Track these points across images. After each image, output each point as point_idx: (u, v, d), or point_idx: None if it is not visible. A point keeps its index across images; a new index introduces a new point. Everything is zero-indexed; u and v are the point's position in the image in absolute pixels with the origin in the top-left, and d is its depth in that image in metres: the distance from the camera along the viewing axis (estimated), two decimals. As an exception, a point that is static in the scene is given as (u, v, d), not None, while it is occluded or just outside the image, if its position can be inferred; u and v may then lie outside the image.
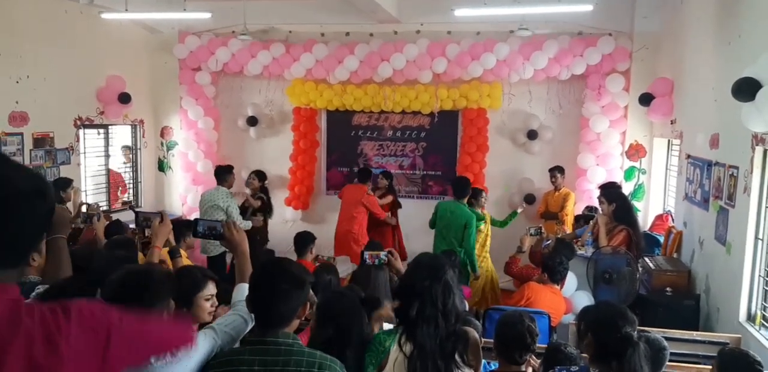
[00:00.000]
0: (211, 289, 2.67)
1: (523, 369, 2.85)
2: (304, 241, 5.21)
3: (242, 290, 2.46)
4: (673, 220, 6.38)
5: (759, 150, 4.13)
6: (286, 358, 2.00)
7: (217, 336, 2.20)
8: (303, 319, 2.15)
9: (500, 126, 8.17)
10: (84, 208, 5.86)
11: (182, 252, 4.25)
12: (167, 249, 3.82)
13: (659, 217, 6.70)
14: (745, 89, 3.72)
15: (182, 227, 4.52)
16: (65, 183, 6.31)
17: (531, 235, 5.43)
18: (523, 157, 8.18)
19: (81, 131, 7.67)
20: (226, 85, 8.91)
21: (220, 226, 2.74)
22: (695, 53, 5.82)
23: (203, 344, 2.14)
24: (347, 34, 8.23)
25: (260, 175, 7.50)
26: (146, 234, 4.67)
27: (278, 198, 8.80)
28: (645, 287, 5.14)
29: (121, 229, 5.23)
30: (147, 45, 8.72)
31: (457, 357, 2.44)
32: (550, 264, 4.55)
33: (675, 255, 5.77)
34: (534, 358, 3.04)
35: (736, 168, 4.47)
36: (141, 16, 7.19)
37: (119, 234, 4.82)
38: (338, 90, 8.21)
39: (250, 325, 2.29)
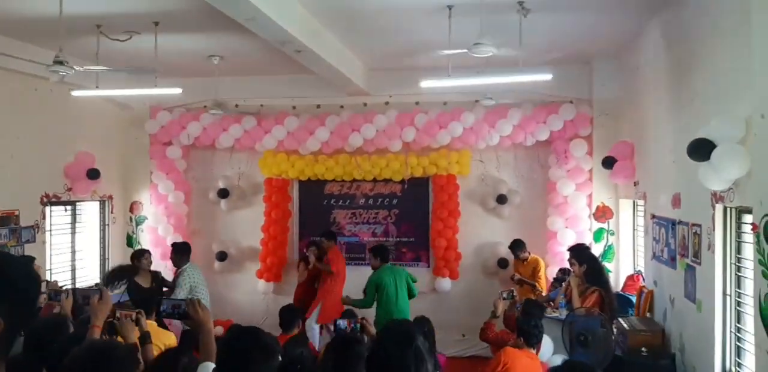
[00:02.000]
0: None
1: None
2: (291, 315, 5.15)
3: (206, 368, 2.47)
4: (644, 279, 6.44)
5: (719, 208, 4.29)
6: None
7: None
8: None
9: (470, 191, 8.33)
10: (44, 286, 5.73)
11: (153, 324, 4.14)
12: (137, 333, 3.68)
13: (630, 278, 6.76)
14: (700, 150, 3.92)
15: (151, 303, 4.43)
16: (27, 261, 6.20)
17: (504, 299, 5.43)
18: (494, 221, 8.30)
19: (47, 208, 7.61)
20: (198, 159, 9.03)
21: (184, 304, 2.75)
22: (652, 117, 6.10)
23: None
24: (318, 106, 8.49)
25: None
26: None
27: (250, 271, 8.75)
28: (621, 348, 5.14)
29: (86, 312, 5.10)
30: (118, 121, 8.86)
31: None
32: (525, 327, 4.53)
33: (648, 314, 5.81)
34: None
35: (699, 226, 4.63)
36: (112, 92, 7.36)
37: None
38: (310, 160, 8.38)
39: None
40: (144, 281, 6.74)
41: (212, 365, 2.48)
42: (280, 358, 2.19)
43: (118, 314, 3.40)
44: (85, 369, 2.02)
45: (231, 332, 2.21)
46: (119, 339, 3.21)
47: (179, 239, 8.61)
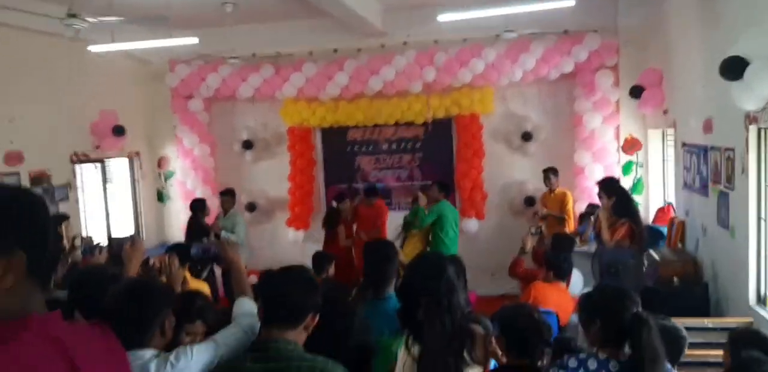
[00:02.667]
0: (198, 327, 2.59)
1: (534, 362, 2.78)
2: (321, 260, 5.23)
3: (241, 304, 2.50)
4: (674, 210, 6.33)
5: (753, 129, 4.13)
6: (286, 364, 1.99)
7: (218, 347, 2.23)
8: (310, 331, 2.13)
9: (494, 130, 8.21)
10: (78, 241, 5.87)
11: (186, 274, 4.24)
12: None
13: (661, 210, 6.66)
14: (733, 68, 3.73)
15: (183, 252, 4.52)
16: (59, 219, 6.32)
17: (532, 234, 5.41)
18: (519, 159, 8.22)
19: (78, 167, 7.73)
20: (219, 111, 9.02)
21: (215, 246, 2.79)
22: (680, 41, 5.86)
23: (203, 355, 2.17)
24: (335, 50, 8.32)
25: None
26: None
27: (279, 220, 8.85)
28: (651, 279, 5.09)
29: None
30: (137, 76, 8.84)
31: (465, 354, 2.41)
32: (553, 260, 4.52)
33: (679, 245, 5.72)
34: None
35: (732, 150, 4.47)
36: (128, 46, 7.28)
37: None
38: (331, 107, 8.30)
39: (251, 338, 2.29)
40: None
41: (247, 300, 2.53)
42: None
43: (151, 261, 3.48)
44: (125, 305, 2.08)
45: (273, 271, 2.19)
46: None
47: (208, 192, 8.74)
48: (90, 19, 5.14)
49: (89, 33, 5.90)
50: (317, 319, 2.12)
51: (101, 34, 6.64)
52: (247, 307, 2.48)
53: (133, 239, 3.30)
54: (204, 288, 4.37)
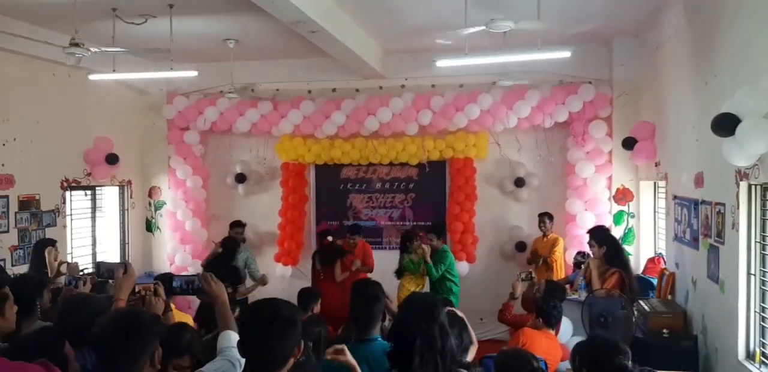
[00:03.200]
0: (185, 360, 2.63)
1: None
2: (309, 296, 5.15)
3: (228, 337, 2.50)
4: (665, 262, 6.33)
5: (743, 185, 4.16)
6: None
7: None
8: (298, 358, 2.11)
9: (488, 175, 8.26)
10: (64, 268, 5.77)
11: (171, 305, 4.16)
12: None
13: (651, 260, 6.65)
14: (725, 125, 3.75)
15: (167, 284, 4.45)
16: (49, 243, 6.23)
17: (522, 280, 5.37)
18: (511, 204, 8.24)
19: (68, 193, 7.67)
20: (215, 144, 9.04)
21: (198, 279, 2.75)
22: (674, 96, 5.96)
23: None
24: (334, 90, 8.44)
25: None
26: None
27: (267, 254, 8.76)
28: (641, 330, 5.04)
29: (106, 291, 5.13)
30: (135, 107, 8.88)
31: None
32: (544, 308, 4.48)
33: (669, 297, 5.70)
34: None
35: (723, 205, 4.50)
36: (128, 76, 7.36)
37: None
38: (326, 144, 8.34)
39: (239, 370, 2.29)
40: None
41: (232, 333, 2.51)
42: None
43: (137, 288, 3.43)
44: (114, 336, 2.06)
45: (249, 307, 2.20)
46: None
47: (198, 224, 8.69)
48: (92, 49, 5.21)
49: (91, 62, 5.96)
50: (302, 349, 2.09)
51: (102, 64, 6.71)
52: (233, 339, 2.46)
53: (126, 266, 3.27)
54: (188, 320, 4.30)
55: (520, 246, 7.95)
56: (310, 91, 8.49)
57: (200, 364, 2.49)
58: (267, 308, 2.08)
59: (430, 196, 8.50)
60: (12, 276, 5.31)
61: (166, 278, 3.28)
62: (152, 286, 3.31)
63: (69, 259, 7.38)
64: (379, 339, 3.02)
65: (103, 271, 3.83)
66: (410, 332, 2.40)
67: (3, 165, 6.67)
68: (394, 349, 2.48)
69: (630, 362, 2.31)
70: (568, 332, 5.07)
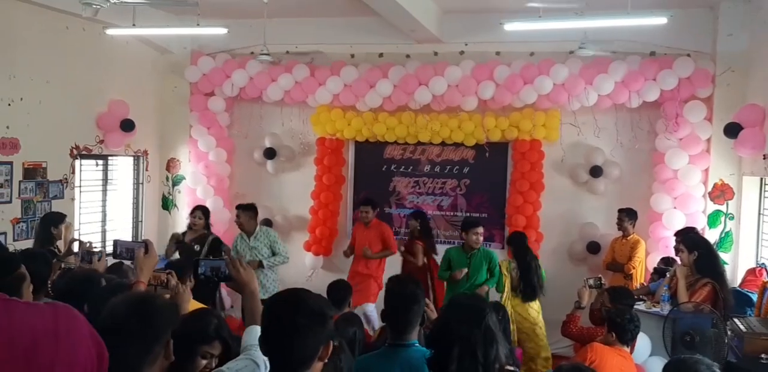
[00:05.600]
0: (216, 347, 2.74)
1: None
2: (340, 291, 5.10)
3: (254, 333, 2.54)
4: (768, 274, 6.14)
5: None
6: None
7: None
8: (326, 361, 2.12)
9: (558, 161, 8.11)
10: (76, 246, 5.87)
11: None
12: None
13: (751, 272, 6.45)
14: None
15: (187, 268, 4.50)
16: (58, 218, 6.37)
17: (590, 287, 5.23)
18: (585, 197, 8.07)
19: (77, 162, 7.80)
20: (242, 113, 9.08)
21: (224, 265, 2.85)
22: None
23: None
24: (380, 55, 8.38)
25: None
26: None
27: (296, 242, 8.79)
28: (735, 353, 4.90)
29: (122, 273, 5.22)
30: (155, 67, 8.96)
31: None
32: (619, 321, 4.33)
33: (772, 316, 5.50)
34: None
35: None
36: (149, 31, 7.41)
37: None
38: (369, 118, 8.27)
39: (263, 371, 2.36)
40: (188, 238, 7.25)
41: (259, 328, 2.51)
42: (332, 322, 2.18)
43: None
44: (127, 319, 2.10)
45: (272, 298, 2.20)
46: None
47: (220, 203, 8.75)
48: (112, 0, 5.22)
49: (108, 14, 6.01)
50: (331, 350, 2.09)
51: (121, 17, 6.76)
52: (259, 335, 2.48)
53: (147, 245, 3.34)
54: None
55: (593, 247, 7.77)
56: (353, 56, 8.42)
57: (230, 351, 2.62)
58: (292, 298, 2.11)
59: (488, 183, 8.38)
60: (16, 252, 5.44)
61: (194, 262, 3.30)
62: (164, 276, 3.33)
63: (77, 236, 7.55)
64: (417, 344, 3.04)
65: (121, 250, 3.89)
66: (451, 337, 2.41)
67: (8, 127, 6.81)
68: (435, 356, 2.47)
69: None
70: (645, 351, 4.95)
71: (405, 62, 8.13)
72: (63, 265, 5.58)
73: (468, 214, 8.38)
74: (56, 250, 6.11)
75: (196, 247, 7.12)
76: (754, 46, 6.93)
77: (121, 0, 5.60)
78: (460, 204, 8.50)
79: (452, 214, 8.50)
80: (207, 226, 7.38)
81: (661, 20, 5.86)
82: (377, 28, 7.80)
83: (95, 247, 6.25)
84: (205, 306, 4.66)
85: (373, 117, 8.27)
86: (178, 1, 6.50)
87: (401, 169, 8.67)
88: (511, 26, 6.21)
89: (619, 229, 7.27)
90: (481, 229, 6.67)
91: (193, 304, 4.28)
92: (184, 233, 7.43)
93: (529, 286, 6.45)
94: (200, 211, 7.39)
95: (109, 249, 6.97)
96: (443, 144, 8.33)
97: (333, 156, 8.60)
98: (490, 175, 8.35)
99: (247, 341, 2.52)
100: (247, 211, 7.19)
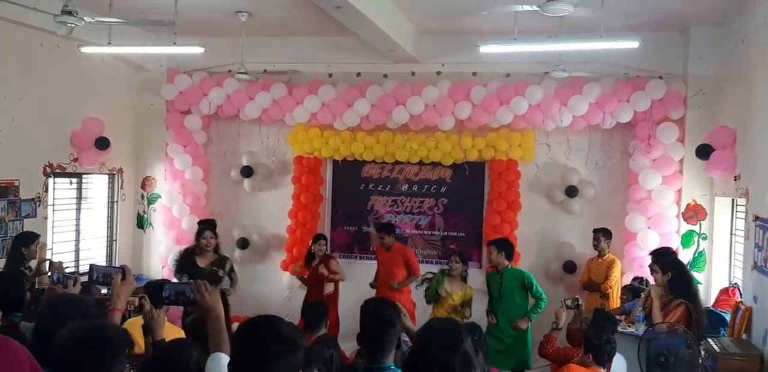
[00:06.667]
0: None
1: None
2: (317, 313, 5.05)
3: (217, 360, 2.48)
4: (740, 294, 6.21)
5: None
6: None
7: None
8: None
9: (534, 181, 8.15)
10: (45, 266, 5.77)
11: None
12: (140, 323, 3.64)
13: (724, 291, 6.54)
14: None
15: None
16: (30, 238, 6.27)
17: (567, 307, 5.24)
18: (561, 217, 8.14)
19: (50, 180, 7.70)
20: (219, 131, 9.04)
21: (189, 289, 2.78)
22: (761, 97, 5.80)
23: None
24: (358, 74, 8.42)
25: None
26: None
27: (274, 261, 8.73)
28: (709, 374, 4.90)
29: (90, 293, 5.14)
30: (131, 84, 8.91)
31: None
32: (595, 342, 4.33)
33: (744, 336, 5.60)
34: None
35: (816, 230, 4.33)
36: (125, 50, 7.36)
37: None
38: (346, 137, 8.29)
39: None
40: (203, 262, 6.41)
41: (224, 356, 2.49)
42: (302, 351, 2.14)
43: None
44: (76, 349, 2.08)
45: (244, 323, 2.17)
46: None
47: (196, 222, 8.61)
48: (86, 18, 5.22)
49: (83, 33, 5.97)
50: None
51: (96, 35, 6.72)
52: (224, 364, 2.42)
53: (124, 271, 3.30)
54: (181, 335, 4.26)
55: (569, 266, 7.82)
56: (330, 75, 8.46)
57: None
58: (264, 324, 2.10)
59: (465, 202, 8.41)
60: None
61: (157, 286, 3.24)
62: (136, 301, 3.28)
63: (49, 256, 7.43)
64: (392, 367, 2.99)
65: (98, 275, 3.80)
66: (427, 362, 2.37)
67: (-21, 145, 6.70)
68: None
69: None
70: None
71: (382, 82, 8.17)
72: (37, 286, 5.49)
73: (446, 233, 8.40)
74: (27, 270, 6.01)
75: (220, 273, 6.31)
76: (724, 69, 7.05)
77: (97, 19, 5.56)
78: (438, 223, 8.51)
79: (430, 232, 8.50)
80: (217, 245, 6.57)
81: (633, 44, 5.96)
82: (355, 47, 7.82)
83: (66, 269, 6.17)
84: (179, 330, 4.61)
85: (351, 136, 8.28)
86: (154, 21, 6.47)
87: (379, 188, 8.68)
88: (486, 49, 6.26)
89: (595, 249, 7.31)
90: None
91: (169, 328, 4.23)
92: (185, 253, 6.60)
93: None
94: (210, 231, 6.48)
95: (83, 269, 6.90)
96: (421, 163, 8.36)
97: (311, 175, 8.58)
98: (468, 195, 8.39)
99: (210, 369, 2.47)
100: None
